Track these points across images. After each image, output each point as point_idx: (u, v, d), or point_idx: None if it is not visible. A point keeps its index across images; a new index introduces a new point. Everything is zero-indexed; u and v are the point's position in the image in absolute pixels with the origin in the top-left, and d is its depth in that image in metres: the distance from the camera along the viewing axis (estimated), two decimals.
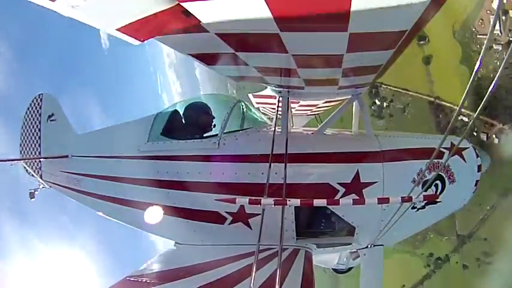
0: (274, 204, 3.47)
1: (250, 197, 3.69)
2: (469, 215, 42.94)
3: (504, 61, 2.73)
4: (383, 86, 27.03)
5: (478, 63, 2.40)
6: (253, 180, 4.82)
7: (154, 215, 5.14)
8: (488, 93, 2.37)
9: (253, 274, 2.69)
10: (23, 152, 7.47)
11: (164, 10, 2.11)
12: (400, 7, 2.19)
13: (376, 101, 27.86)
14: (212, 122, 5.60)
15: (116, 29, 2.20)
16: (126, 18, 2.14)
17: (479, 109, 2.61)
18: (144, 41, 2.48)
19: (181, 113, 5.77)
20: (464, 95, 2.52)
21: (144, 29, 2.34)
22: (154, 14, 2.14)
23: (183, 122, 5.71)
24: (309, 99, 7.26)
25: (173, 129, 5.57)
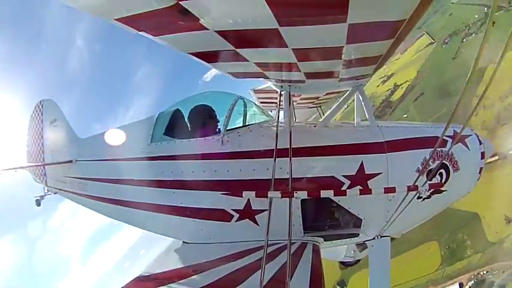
0: (282, 197, 3.46)
1: (256, 191, 3.68)
2: None
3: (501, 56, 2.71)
4: None
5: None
6: (259, 176, 4.82)
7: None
8: (490, 82, 2.37)
9: (263, 267, 2.71)
10: (29, 159, 7.52)
11: (163, 8, 2.12)
12: None
13: None
14: (215, 119, 5.60)
15: (115, 19, 2.28)
16: (125, 10, 2.21)
17: (481, 97, 2.60)
18: (142, 32, 2.58)
19: (182, 112, 5.78)
20: (466, 85, 2.52)
21: (142, 22, 2.40)
22: (153, 10, 2.16)
23: (185, 121, 5.70)
24: (310, 92, 7.23)
25: (176, 128, 5.58)
